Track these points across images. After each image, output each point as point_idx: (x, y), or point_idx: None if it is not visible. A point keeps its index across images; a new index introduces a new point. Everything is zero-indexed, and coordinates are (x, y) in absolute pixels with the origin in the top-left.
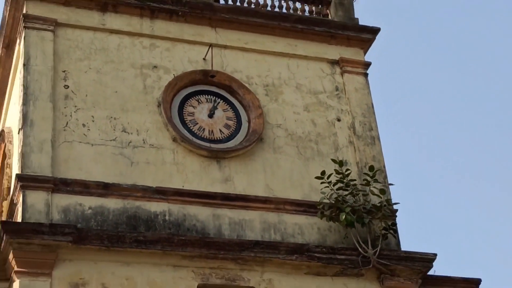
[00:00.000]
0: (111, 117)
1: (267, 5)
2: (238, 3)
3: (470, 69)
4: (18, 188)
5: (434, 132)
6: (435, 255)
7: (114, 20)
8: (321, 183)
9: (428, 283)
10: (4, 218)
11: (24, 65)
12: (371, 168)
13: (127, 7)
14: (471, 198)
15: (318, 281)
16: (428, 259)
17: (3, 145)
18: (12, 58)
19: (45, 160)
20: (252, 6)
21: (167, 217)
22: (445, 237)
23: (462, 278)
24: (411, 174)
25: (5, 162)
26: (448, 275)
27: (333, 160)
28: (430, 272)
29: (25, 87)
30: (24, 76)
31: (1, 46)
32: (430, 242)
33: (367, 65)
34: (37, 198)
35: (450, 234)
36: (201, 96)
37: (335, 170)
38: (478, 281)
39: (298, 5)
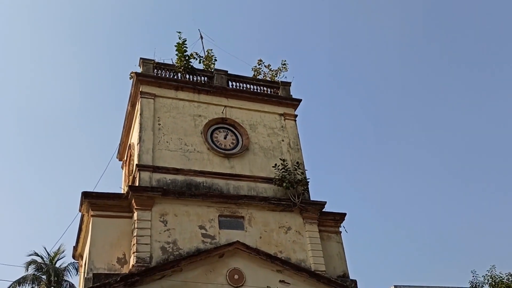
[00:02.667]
0: (180, 138)
1: (250, 88)
2: (238, 87)
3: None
4: (136, 170)
5: (328, 145)
6: (325, 202)
7: (181, 94)
8: (275, 169)
9: (322, 214)
10: (130, 183)
11: (140, 114)
12: (297, 162)
13: (187, 88)
14: (345, 172)
15: (272, 213)
16: (322, 204)
17: (130, 151)
18: (135, 110)
19: (149, 157)
20: (245, 89)
21: (205, 184)
22: (331, 193)
23: (337, 212)
24: (317, 165)
25: (131, 158)
26: (331, 211)
27: (280, 159)
28: (324, 210)
29: (141, 124)
30: (140, 119)
31: (130, 105)
32: (324, 196)
33: (296, 116)
34: (145, 175)
35: (334, 192)
36: (221, 129)
37: (281, 163)
38: (344, 214)
39: (264, 88)
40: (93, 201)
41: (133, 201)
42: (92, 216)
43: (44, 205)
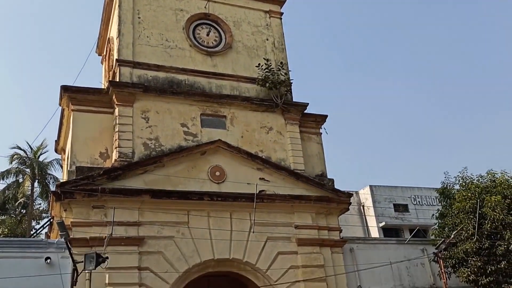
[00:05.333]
0: (161, 33)
1: None
2: None
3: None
4: (117, 65)
5: (313, 47)
6: (308, 103)
7: None
8: (258, 69)
9: (304, 116)
10: (111, 79)
11: (119, 6)
12: (281, 63)
13: None
14: (328, 73)
15: (254, 113)
16: (304, 105)
17: (109, 45)
18: (113, 2)
19: (129, 52)
20: None
21: (187, 82)
22: (314, 96)
23: (318, 114)
24: (299, 65)
25: (111, 53)
26: (312, 113)
27: (264, 59)
28: (306, 111)
29: (120, 17)
30: (119, 12)
31: None
32: (307, 98)
33: (281, 13)
34: (126, 70)
35: (317, 95)
36: (203, 25)
37: (265, 63)
38: (325, 116)
39: None
40: (73, 95)
41: (114, 96)
42: (72, 110)
43: (24, 99)
